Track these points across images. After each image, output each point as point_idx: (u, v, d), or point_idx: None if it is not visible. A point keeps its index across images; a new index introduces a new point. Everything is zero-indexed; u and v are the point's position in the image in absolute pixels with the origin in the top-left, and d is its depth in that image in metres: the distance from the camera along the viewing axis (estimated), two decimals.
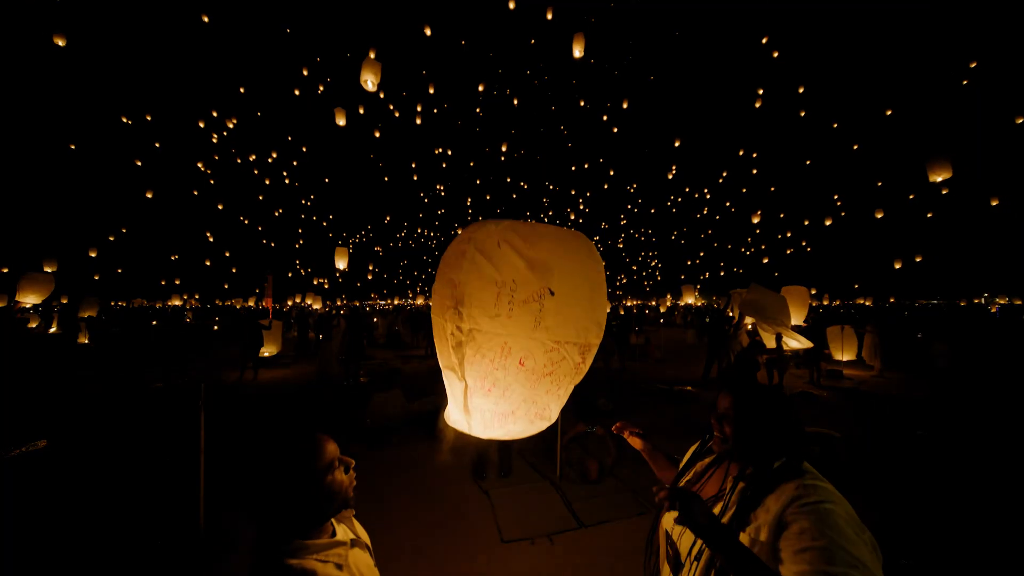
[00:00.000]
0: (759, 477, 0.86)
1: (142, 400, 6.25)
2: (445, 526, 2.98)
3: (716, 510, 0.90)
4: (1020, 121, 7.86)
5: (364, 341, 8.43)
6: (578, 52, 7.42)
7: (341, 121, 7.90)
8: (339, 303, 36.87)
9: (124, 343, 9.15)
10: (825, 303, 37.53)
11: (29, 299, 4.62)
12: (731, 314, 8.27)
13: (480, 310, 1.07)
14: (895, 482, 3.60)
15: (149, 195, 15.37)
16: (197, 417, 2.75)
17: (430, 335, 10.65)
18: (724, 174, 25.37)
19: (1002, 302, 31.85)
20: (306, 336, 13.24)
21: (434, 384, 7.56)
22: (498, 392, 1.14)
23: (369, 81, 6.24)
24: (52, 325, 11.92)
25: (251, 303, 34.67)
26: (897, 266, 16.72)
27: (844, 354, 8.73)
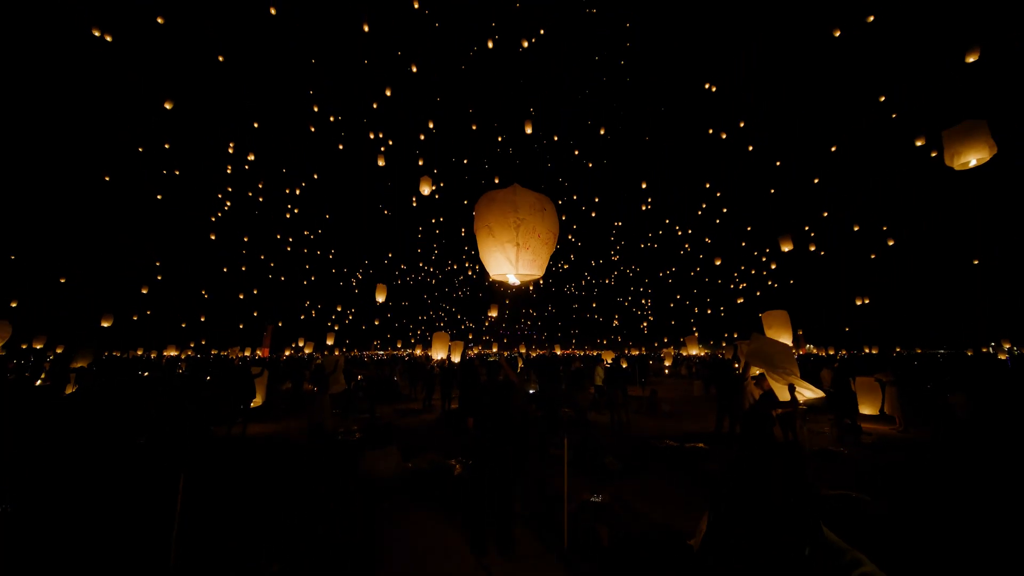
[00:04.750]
0: None
1: (122, 457, 5.87)
2: None
3: None
4: None
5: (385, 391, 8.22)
6: (528, 130, 9.94)
7: (426, 190, 8.65)
8: (336, 353, 36.23)
9: (111, 395, 8.83)
10: (831, 352, 36.75)
11: None
12: (737, 365, 8.06)
13: (527, 211, 2.92)
14: (934, 549, 3.25)
15: (212, 237, 15.82)
16: (176, 480, 2.55)
17: (429, 387, 10.38)
18: (702, 207, 26.44)
19: (1007, 346, 30.97)
20: (300, 387, 12.79)
21: (432, 440, 7.17)
22: (530, 248, 2.91)
23: (425, 189, 8.40)
24: (40, 376, 11.60)
25: (247, 353, 34.08)
26: (857, 302, 16.74)
27: (864, 407, 8.32)
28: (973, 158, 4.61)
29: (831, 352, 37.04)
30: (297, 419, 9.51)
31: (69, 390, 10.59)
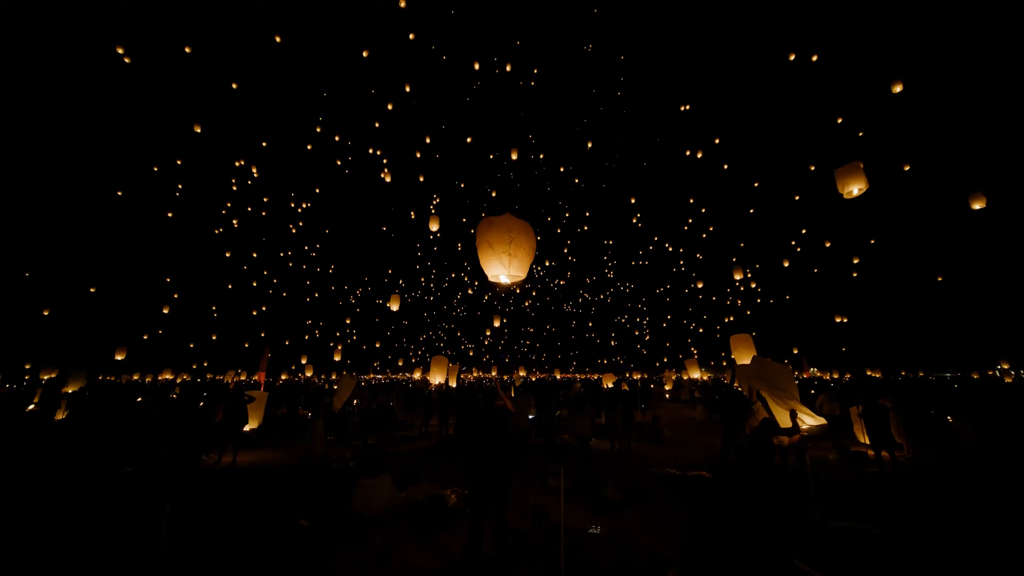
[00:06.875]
0: None
1: (106, 487, 5.71)
2: None
3: None
4: None
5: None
6: (514, 156, 11.10)
7: (434, 227, 9.45)
8: (333, 377, 35.70)
9: (100, 423, 8.67)
10: (835, 376, 36.15)
11: None
12: (739, 387, 7.95)
13: (516, 231, 4.11)
14: None
15: (228, 254, 16.03)
16: (161, 512, 2.49)
17: (427, 414, 10.22)
18: (688, 221, 26.78)
19: (1005, 367, 30.34)
20: (296, 413, 12.57)
21: (428, 468, 6.98)
22: (518, 257, 4.11)
23: (434, 226, 9.44)
24: (32, 401, 11.41)
25: (242, 376, 33.55)
26: (837, 320, 16.61)
27: (863, 435, 8.15)
28: (855, 188, 6.08)
29: (835, 375, 36.41)
30: (292, 445, 9.29)
31: (60, 415, 10.41)
